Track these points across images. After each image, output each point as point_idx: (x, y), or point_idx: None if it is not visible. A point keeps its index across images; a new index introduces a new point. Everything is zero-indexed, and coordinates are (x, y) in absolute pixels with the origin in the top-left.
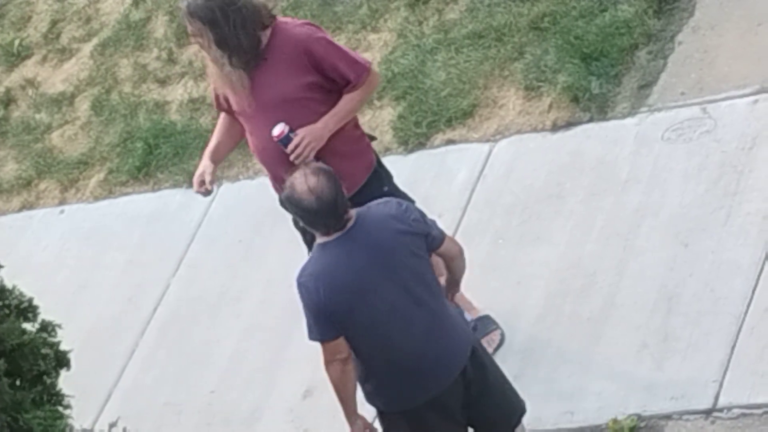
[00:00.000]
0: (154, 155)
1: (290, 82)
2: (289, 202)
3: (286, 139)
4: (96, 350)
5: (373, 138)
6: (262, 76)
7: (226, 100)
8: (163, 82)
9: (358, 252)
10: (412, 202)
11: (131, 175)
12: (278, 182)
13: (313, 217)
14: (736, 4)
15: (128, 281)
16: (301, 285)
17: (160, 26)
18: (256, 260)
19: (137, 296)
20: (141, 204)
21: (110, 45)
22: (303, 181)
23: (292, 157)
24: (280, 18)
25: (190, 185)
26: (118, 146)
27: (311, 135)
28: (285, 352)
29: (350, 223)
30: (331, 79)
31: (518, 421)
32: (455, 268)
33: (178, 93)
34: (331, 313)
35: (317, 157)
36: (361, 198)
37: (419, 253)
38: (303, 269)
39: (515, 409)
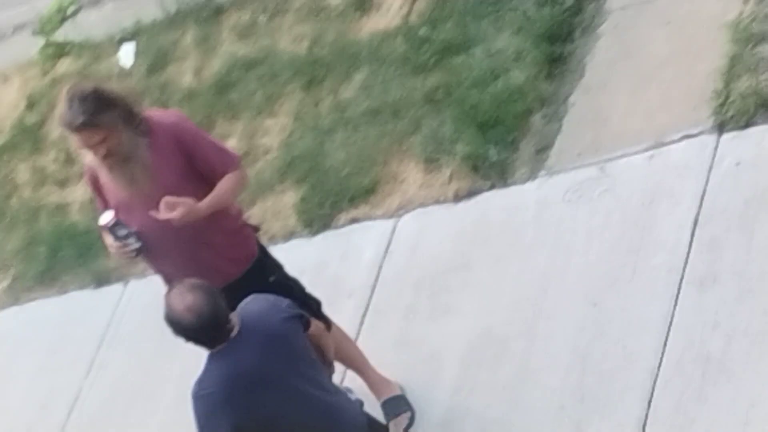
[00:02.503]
0: (58, 258)
1: (168, 170)
2: (169, 323)
3: (115, 228)
4: None
5: (256, 229)
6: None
7: (104, 200)
8: (62, 184)
9: (251, 350)
10: (303, 290)
11: (36, 280)
12: (159, 274)
13: (196, 335)
14: (625, 63)
15: (40, 387)
16: (202, 398)
17: (55, 128)
18: (168, 356)
19: (50, 402)
20: (48, 308)
21: (7, 150)
22: (180, 301)
23: (161, 216)
24: (146, 111)
25: (97, 286)
26: (21, 252)
27: (190, 208)
28: None
29: (235, 330)
30: (200, 169)
31: None
32: (322, 346)
33: (78, 194)
34: (239, 420)
35: (195, 249)
36: (242, 289)
37: (303, 335)
38: (199, 383)
39: None
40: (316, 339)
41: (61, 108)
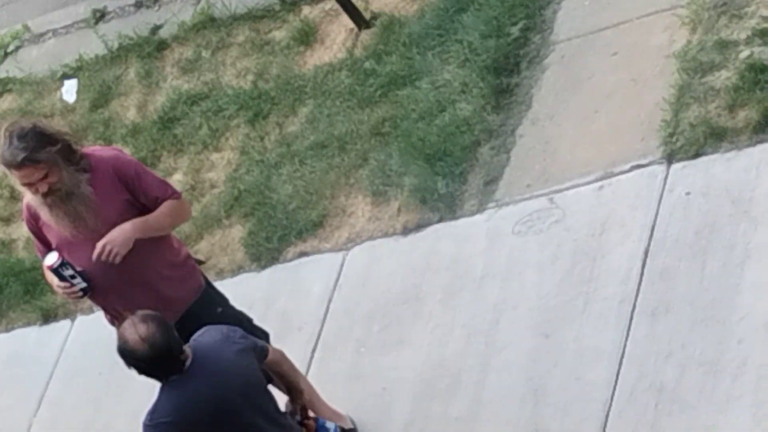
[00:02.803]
0: (5, 294)
1: (110, 205)
2: (122, 354)
3: (61, 268)
4: None
5: (201, 262)
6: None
7: (47, 245)
8: (7, 221)
9: (205, 382)
10: (250, 321)
11: None
12: (108, 312)
13: (149, 366)
14: (572, 93)
15: None
16: (153, 427)
17: None
18: (118, 391)
19: None
20: None
21: None
22: (133, 331)
23: (94, 259)
24: (86, 148)
25: (44, 322)
26: None
27: (117, 238)
28: None
29: (188, 361)
30: (142, 201)
31: None
32: (284, 373)
33: (23, 230)
34: None
35: (143, 282)
36: (191, 321)
37: (256, 366)
38: (151, 413)
39: None
40: (277, 366)
41: (0, 147)
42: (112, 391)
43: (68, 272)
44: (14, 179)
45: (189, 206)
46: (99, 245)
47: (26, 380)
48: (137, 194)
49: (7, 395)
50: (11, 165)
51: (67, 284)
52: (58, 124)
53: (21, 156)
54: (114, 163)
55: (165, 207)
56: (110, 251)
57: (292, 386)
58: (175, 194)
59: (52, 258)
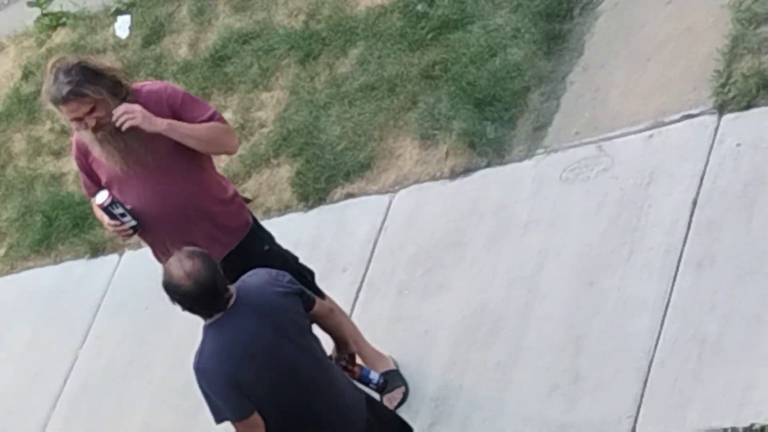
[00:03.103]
0: (54, 227)
1: (161, 137)
2: (167, 290)
3: (111, 207)
4: (8, 427)
5: (248, 200)
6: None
7: (96, 183)
8: (57, 154)
9: (248, 321)
10: (296, 260)
11: (32, 248)
12: (155, 248)
13: (193, 302)
14: (624, 42)
15: (35, 356)
16: (201, 370)
17: None
18: (163, 325)
19: (45, 371)
20: (44, 277)
21: (2, 120)
22: (178, 267)
23: (115, 119)
24: (134, 84)
25: (92, 256)
26: (16, 221)
27: (143, 112)
28: (198, 416)
29: (232, 299)
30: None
31: None
32: (330, 327)
33: (73, 164)
34: (241, 387)
35: (192, 219)
36: (238, 258)
37: (302, 311)
38: (198, 354)
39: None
40: (322, 320)
41: (47, 83)
42: (157, 326)
43: (118, 210)
44: (63, 116)
45: (234, 137)
46: (121, 108)
47: (73, 313)
48: (184, 120)
49: (54, 327)
50: (57, 100)
51: (117, 222)
52: (108, 60)
53: (66, 90)
54: (162, 93)
55: (207, 123)
56: (127, 114)
57: (338, 340)
58: (221, 119)
59: (102, 196)
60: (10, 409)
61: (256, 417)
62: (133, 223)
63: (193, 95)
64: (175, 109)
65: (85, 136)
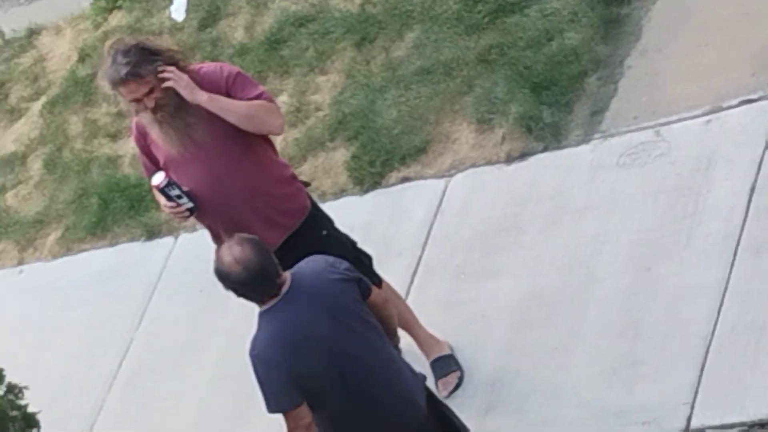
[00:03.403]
0: (110, 210)
1: (218, 117)
2: (219, 276)
3: (168, 188)
4: (63, 409)
5: (306, 184)
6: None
7: (155, 163)
8: (114, 137)
9: (303, 308)
10: (354, 244)
11: (88, 231)
12: (212, 231)
13: (245, 288)
14: (682, 26)
15: (91, 338)
16: (257, 357)
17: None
18: (218, 309)
19: (101, 352)
20: (99, 259)
21: (59, 102)
22: (228, 254)
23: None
24: (192, 65)
25: (148, 238)
26: (73, 203)
27: (187, 79)
28: (253, 400)
29: (286, 286)
30: None
31: None
32: (384, 318)
33: (129, 146)
34: (297, 376)
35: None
36: (298, 243)
37: (359, 298)
38: (254, 340)
39: None
40: (376, 308)
41: (105, 65)
42: (212, 309)
43: (174, 192)
44: (121, 98)
45: (279, 117)
46: (172, 68)
47: (129, 295)
48: (232, 98)
49: (110, 309)
50: (116, 81)
51: (174, 204)
52: (165, 42)
53: (124, 71)
54: (217, 73)
55: (251, 102)
56: (173, 76)
57: (388, 331)
58: (269, 99)
59: (158, 178)
60: (66, 390)
61: (305, 409)
62: (190, 205)
63: (247, 75)
64: (228, 87)
65: (145, 117)
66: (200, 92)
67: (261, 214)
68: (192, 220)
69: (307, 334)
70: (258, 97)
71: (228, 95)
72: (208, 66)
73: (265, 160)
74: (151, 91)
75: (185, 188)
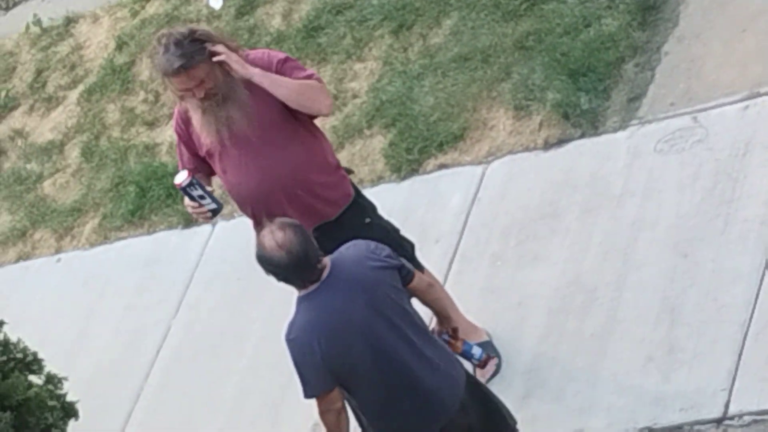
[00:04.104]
0: (147, 198)
1: (264, 107)
2: (260, 261)
3: (189, 188)
4: (101, 397)
5: (350, 171)
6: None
7: (192, 153)
8: (151, 125)
9: (342, 295)
10: (397, 232)
11: (125, 219)
12: (254, 218)
13: (287, 273)
14: (720, 12)
15: (128, 326)
16: (292, 341)
17: (144, 69)
18: (256, 297)
19: (138, 340)
20: (137, 247)
21: (96, 91)
22: (270, 239)
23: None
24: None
25: (185, 226)
26: (110, 191)
27: (239, 59)
28: (290, 387)
29: (326, 271)
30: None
31: None
32: (429, 302)
33: (167, 134)
34: (331, 363)
35: (292, 190)
36: (339, 229)
37: (398, 286)
38: (291, 325)
39: (509, 426)
40: (422, 294)
41: (156, 53)
42: (250, 297)
43: (197, 192)
44: (170, 87)
45: (328, 97)
46: (220, 48)
47: (166, 283)
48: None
49: (148, 297)
50: (168, 72)
51: (196, 204)
52: (213, 29)
53: (177, 63)
54: (266, 58)
55: (300, 81)
56: (226, 57)
57: (439, 314)
58: (319, 80)
59: (181, 177)
60: (104, 379)
61: (337, 394)
62: (213, 206)
63: (295, 59)
64: (277, 70)
65: (191, 102)
66: (251, 67)
67: (301, 202)
68: (229, 207)
69: (343, 321)
70: (308, 77)
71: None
72: (255, 52)
73: (310, 148)
74: (202, 82)
75: (209, 188)
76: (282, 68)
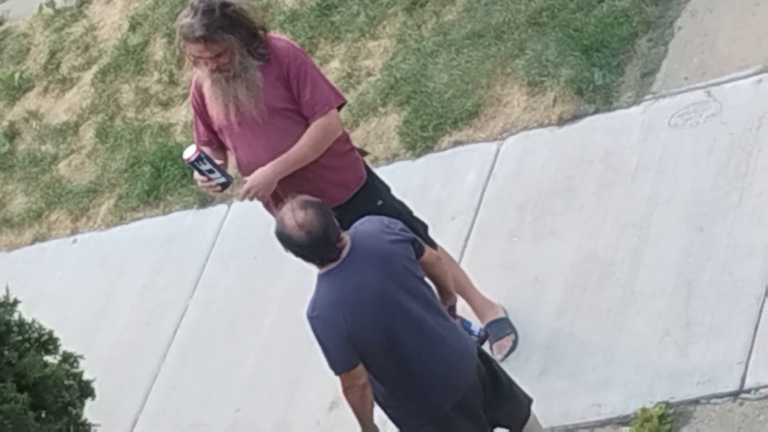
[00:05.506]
0: (163, 178)
1: (274, 93)
2: (279, 238)
3: (198, 162)
4: (118, 377)
5: (364, 153)
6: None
7: (207, 126)
8: (165, 105)
9: (363, 270)
10: (410, 213)
11: (141, 199)
12: (267, 200)
13: (306, 251)
14: None
15: (145, 306)
16: (316, 319)
17: (158, 49)
18: (272, 275)
19: (156, 320)
20: (153, 228)
21: (110, 71)
22: (291, 217)
23: (241, 200)
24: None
25: (201, 206)
26: (125, 172)
27: (260, 183)
28: (307, 365)
29: (346, 249)
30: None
31: (529, 413)
32: (436, 275)
33: (181, 114)
34: (356, 338)
35: (302, 173)
36: (351, 211)
37: (413, 258)
38: (313, 303)
39: (524, 402)
40: (430, 267)
41: (184, 13)
42: (266, 276)
43: (205, 167)
44: (187, 50)
45: (335, 123)
46: (243, 190)
47: (183, 263)
48: (295, 95)
49: (164, 276)
50: (188, 37)
51: (205, 178)
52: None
53: (199, 33)
54: (286, 56)
55: (307, 135)
56: (255, 194)
57: (443, 289)
58: (321, 109)
59: (189, 151)
60: (121, 358)
61: (361, 369)
62: (222, 180)
63: (315, 70)
64: (290, 79)
65: (203, 72)
66: (270, 177)
67: (311, 185)
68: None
69: (368, 296)
70: (322, 107)
71: (287, 80)
72: (277, 40)
73: None
74: (218, 56)
75: (218, 161)
76: (300, 84)
